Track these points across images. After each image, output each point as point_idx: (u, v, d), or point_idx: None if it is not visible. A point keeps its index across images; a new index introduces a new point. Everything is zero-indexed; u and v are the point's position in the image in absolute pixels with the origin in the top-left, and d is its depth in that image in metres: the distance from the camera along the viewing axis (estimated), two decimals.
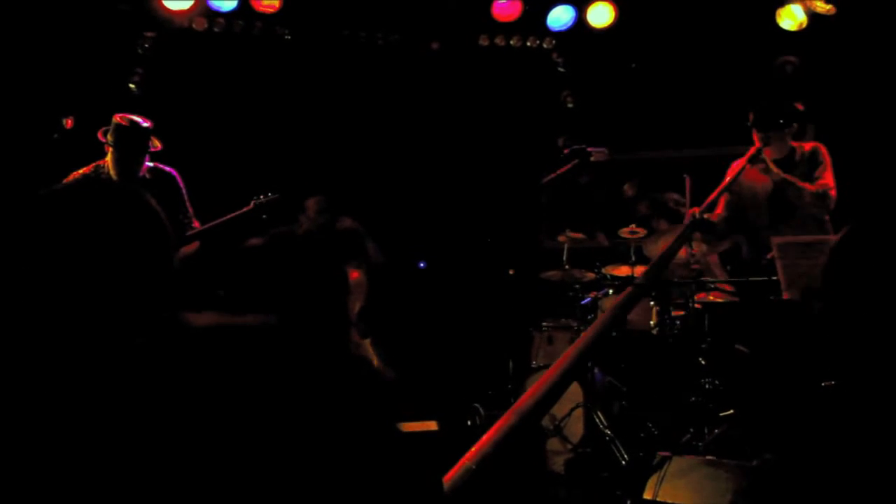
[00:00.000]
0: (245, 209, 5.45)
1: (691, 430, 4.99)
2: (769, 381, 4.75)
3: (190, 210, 5.43)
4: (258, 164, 7.02)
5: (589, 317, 6.00)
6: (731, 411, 4.98)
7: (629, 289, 3.74)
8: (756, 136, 5.24)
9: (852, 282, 1.83)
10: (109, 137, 5.12)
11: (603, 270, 6.28)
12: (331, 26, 7.33)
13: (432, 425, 4.75)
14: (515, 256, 7.11)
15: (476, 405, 6.07)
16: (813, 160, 5.27)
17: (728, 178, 5.15)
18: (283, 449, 1.01)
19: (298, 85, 7.42)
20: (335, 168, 7.31)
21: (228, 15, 6.99)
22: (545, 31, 7.49)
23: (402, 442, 1.17)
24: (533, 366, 6.06)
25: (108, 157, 5.19)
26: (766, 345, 4.95)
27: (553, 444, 5.55)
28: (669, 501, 4.06)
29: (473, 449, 1.83)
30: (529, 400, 1.83)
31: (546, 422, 5.51)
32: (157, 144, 5.25)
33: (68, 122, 6.12)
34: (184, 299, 1.37)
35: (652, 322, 5.68)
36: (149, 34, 6.97)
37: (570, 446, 5.51)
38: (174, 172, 5.39)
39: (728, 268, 6.00)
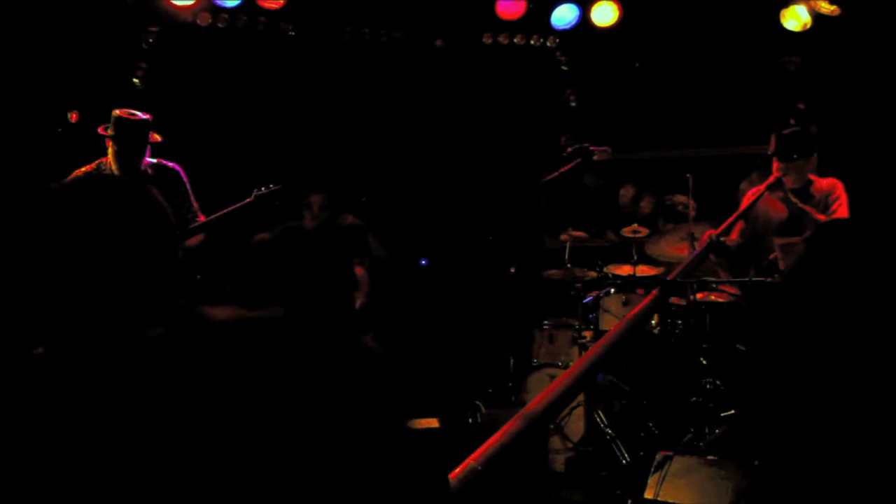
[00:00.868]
0: (247, 200, 5.46)
1: (692, 429, 4.99)
2: (770, 382, 4.74)
3: (195, 205, 5.44)
4: (261, 159, 7.02)
5: (590, 316, 6.00)
6: (733, 411, 4.98)
7: (645, 302, 3.74)
8: (776, 165, 5.20)
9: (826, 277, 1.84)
10: (109, 131, 5.14)
11: (605, 269, 6.28)
12: (335, 22, 7.33)
13: (434, 423, 4.75)
14: (517, 255, 7.11)
15: (477, 403, 6.07)
16: (830, 194, 5.24)
17: (745, 205, 5.14)
18: (289, 443, 1.02)
19: (302, 81, 7.42)
20: (338, 164, 7.31)
21: (233, 10, 6.99)
22: (549, 30, 7.49)
23: (412, 438, 1.18)
24: (534, 364, 6.06)
25: (109, 153, 5.19)
26: (768, 345, 4.95)
27: (554, 442, 5.55)
28: (671, 501, 4.07)
29: (480, 449, 1.84)
30: (539, 404, 1.83)
31: None
32: (156, 137, 5.26)
33: (73, 117, 6.12)
34: (191, 291, 1.38)
35: (654, 322, 5.68)
36: (153, 29, 6.97)
37: (570, 445, 5.52)
38: (178, 168, 5.41)
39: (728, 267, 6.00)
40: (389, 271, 6.71)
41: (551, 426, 5.51)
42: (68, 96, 6.49)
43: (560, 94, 7.82)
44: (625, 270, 6.21)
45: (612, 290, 6.05)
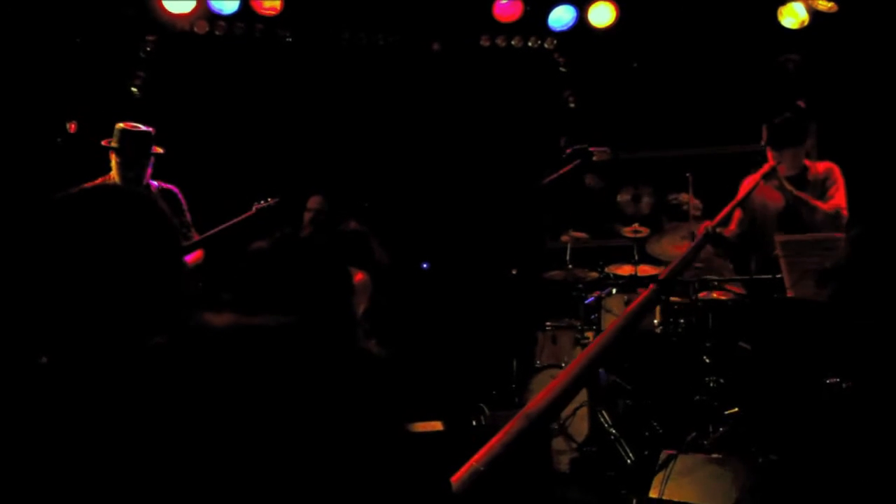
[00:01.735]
0: (247, 214, 5.46)
1: (696, 428, 4.99)
2: (774, 380, 4.74)
3: (190, 223, 5.43)
4: (260, 167, 7.03)
5: (592, 316, 6.01)
6: (736, 409, 4.97)
7: (642, 297, 3.73)
8: (770, 153, 5.21)
9: (873, 273, 1.84)
10: (113, 143, 5.14)
11: (606, 270, 6.28)
12: (332, 28, 7.34)
13: (438, 425, 4.75)
14: (518, 256, 7.12)
15: (481, 405, 6.07)
16: (826, 180, 5.24)
17: (741, 194, 5.13)
18: (291, 448, 1.02)
19: (300, 87, 7.43)
20: (338, 170, 7.32)
21: (230, 18, 7.01)
22: (546, 32, 7.50)
23: (413, 442, 1.18)
24: (537, 365, 6.06)
25: (113, 167, 5.19)
26: (771, 343, 4.95)
27: (558, 443, 5.55)
28: (675, 500, 4.07)
29: (482, 451, 1.83)
30: (540, 403, 1.83)
31: None
32: (158, 150, 5.27)
33: (72, 127, 6.13)
34: (193, 301, 1.38)
35: (656, 321, 5.68)
36: (150, 37, 6.98)
37: (574, 445, 5.52)
38: (174, 189, 5.41)
39: (732, 266, 6.00)
40: (391, 275, 6.71)
41: (555, 427, 5.51)
42: (67, 106, 6.50)
43: (558, 96, 7.83)
44: (626, 270, 6.22)
45: (614, 291, 6.06)
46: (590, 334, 5.87)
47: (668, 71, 7.41)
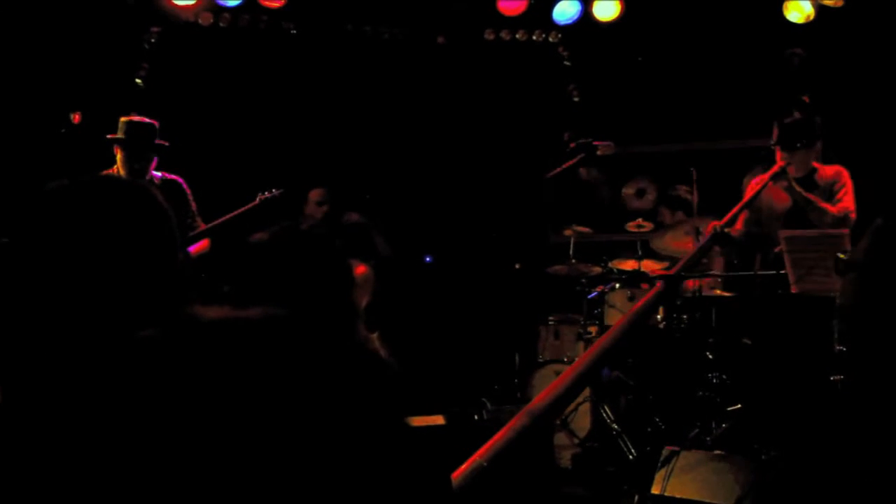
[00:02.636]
0: (251, 205, 5.46)
1: (699, 424, 4.98)
2: (777, 376, 4.73)
3: (196, 213, 5.43)
4: (264, 158, 7.02)
5: (595, 311, 6.00)
6: (739, 406, 4.96)
7: (647, 296, 3.74)
8: (779, 154, 5.17)
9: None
10: (119, 135, 5.13)
11: (610, 265, 6.26)
12: (336, 20, 7.33)
13: (439, 420, 4.74)
14: (521, 251, 7.11)
15: (483, 399, 6.07)
16: (835, 182, 5.21)
17: (749, 195, 5.11)
18: (290, 443, 1.01)
19: (304, 79, 7.42)
20: (341, 163, 7.31)
21: (234, 10, 7.00)
22: (551, 25, 7.48)
23: (412, 436, 1.17)
24: (539, 360, 6.06)
25: (118, 160, 5.18)
26: (774, 339, 4.94)
27: (560, 438, 5.55)
28: (677, 496, 4.06)
29: (485, 446, 1.84)
30: (543, 400, 1.83)
31: None
32: (163, 143, 5.26)
33: (75, 117, 6.13)
34: (194, 294, 1.38)
35: (659, 316, 5.67)
36: (155, 29, 6.97)
37: (577, 441, 5.51)
38: (180, 179, 5.41)
39: (736, 262, 5.98)
40: (394, 269, 6.70)
41: (557, 422, 5.50)
42: (70, 97, 6.49)
43: (563, 90, 7.81)
44: (629, 265, 6.20)
45: (617, 286, 6.05)
46: (593, 329, 5.86)
47: (672, 65, 7.39)
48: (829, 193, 5.17)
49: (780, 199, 5.31)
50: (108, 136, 5.17)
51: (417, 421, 4.42)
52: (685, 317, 5.54)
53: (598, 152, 5.61)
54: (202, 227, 5.38)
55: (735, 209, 5.00)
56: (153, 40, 7.00)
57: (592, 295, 6.05)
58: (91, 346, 1.23)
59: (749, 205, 5.14)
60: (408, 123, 7.63)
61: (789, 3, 6.88)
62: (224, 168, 6.76)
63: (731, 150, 6.82)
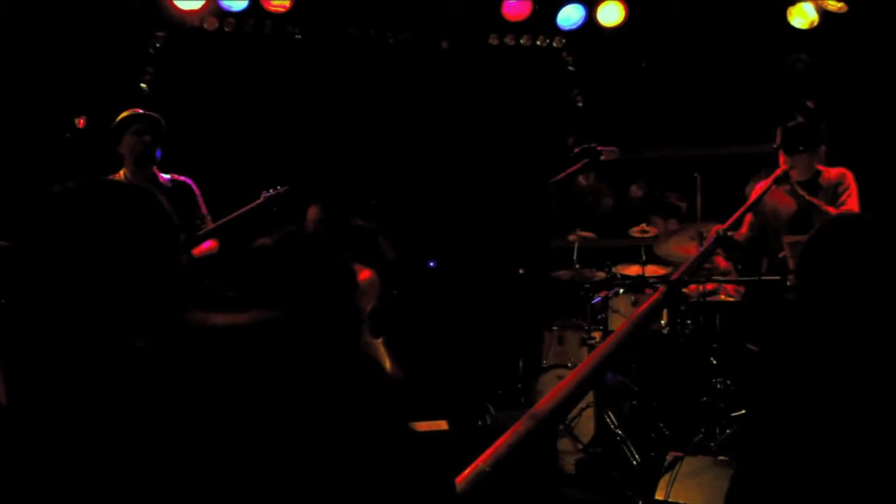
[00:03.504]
0: (255, 203, 5.47)
1: (703, 430, 4.98)
2: (780, 382, 4.72)
3: (206, 214, 5.44)
4: (270, 163, 7.03)
5: (599, 316, 5.99)
6: (743, 411, 4.95)
7: (650, 300, 3.73)
8: (782, 158, 5.16)
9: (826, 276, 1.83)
10: (131, 126, 5.13)
11: (613, 270, 6.26)
12: (341, 25, 7.34)
13: (443, 425, 4.74)
14: (525, 256, 7.10)
15: (486, 404, 6.06)
16: (839, 185, 5.20)
17: (753, 198, 5.10)
18: (292, 449, 1.01)
19: (309, 84, 7.43)
20: (345, 167, 7.32)
21: (239, 14, 7.01)
22: (555, 30, 7.48)
23: (414, 441, 1.17)
24: (543, 365, 6.05)
25: (125, 161, 5.18)
26: (778, 345, 4.92)
27: (564, 443, 5.54)
28: (681, 502, 4.06)
29: (488, 451, 1.83)
30: (547, 405, 1.83)
31: None
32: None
33: (80, 122, 6.14)
34: (197, 299, 1.38)
35: (663, 321, 5.66)
36: (160, 34, 6.99)
37: (581, 446, 5.50)
38: (189, 181, 5.42)
39: (739, 267, 5.98)
40: (398, 273, 6.70)
41: (561, 427, 5.50)
42: (76, 102, 6.51)
43: (567, 95, 7.82)
44: (633, 270, 6.19)
45: (621, 291, 6.04)
46: (596, 334, 5.86)
47: (676, 71, 7.39)
48: (834, 196, 5.16)
49: (785, 204, 5.30)
50: (113, 135, 5.16)
51: (421, 426, 4.42)
52: (689, 322, 5.53)
53: (602, 157, 5.62)
54: (211, 225, 5.40)
55: (738, 213, 4.99)
56: (158, 45, 7.02)
57: (596, 300, 6.05)
58: (90, 351, 1.23)
59: (752, 208, 5.13)
60: (411, 128, 7.64)
61: (793, 8, 6.88)
62: (229, 173, 6.77)
63: (735, 156, 6.82)
